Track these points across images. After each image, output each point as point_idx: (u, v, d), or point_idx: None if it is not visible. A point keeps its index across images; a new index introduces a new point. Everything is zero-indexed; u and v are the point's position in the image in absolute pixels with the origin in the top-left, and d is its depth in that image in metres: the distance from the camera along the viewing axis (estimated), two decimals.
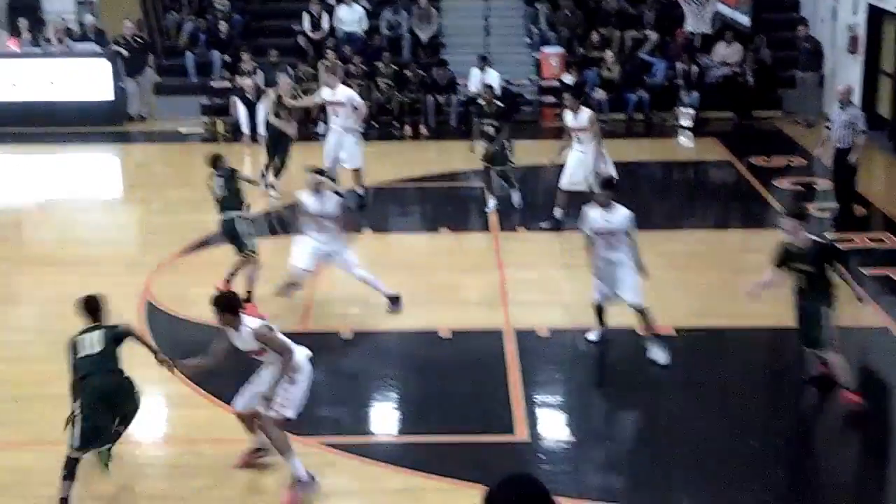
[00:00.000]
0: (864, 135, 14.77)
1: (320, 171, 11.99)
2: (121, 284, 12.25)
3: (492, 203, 15.31)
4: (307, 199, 11.69)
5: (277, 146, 16.16)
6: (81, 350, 8.47)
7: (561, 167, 14.57)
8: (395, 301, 12.01)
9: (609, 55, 20.86)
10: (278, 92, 16.27)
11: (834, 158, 15.00)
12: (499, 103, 15.85)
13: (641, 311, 10.65)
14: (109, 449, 8.51)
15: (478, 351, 11.33)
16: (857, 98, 19.65)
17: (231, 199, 12.13)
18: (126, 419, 8.60)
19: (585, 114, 14.34)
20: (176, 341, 11.74)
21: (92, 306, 8.77)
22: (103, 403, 8.35)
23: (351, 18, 21.67)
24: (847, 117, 14.68)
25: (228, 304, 8.49)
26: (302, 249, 11.76)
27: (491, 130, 15.18)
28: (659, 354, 10.67)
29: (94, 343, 8.48)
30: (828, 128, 15.12)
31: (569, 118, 14.43)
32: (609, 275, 10.66)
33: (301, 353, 8.53)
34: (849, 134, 14.64)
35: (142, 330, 10.85)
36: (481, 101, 15.73)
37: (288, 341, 8.48)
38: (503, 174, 15.46)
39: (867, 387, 10.71)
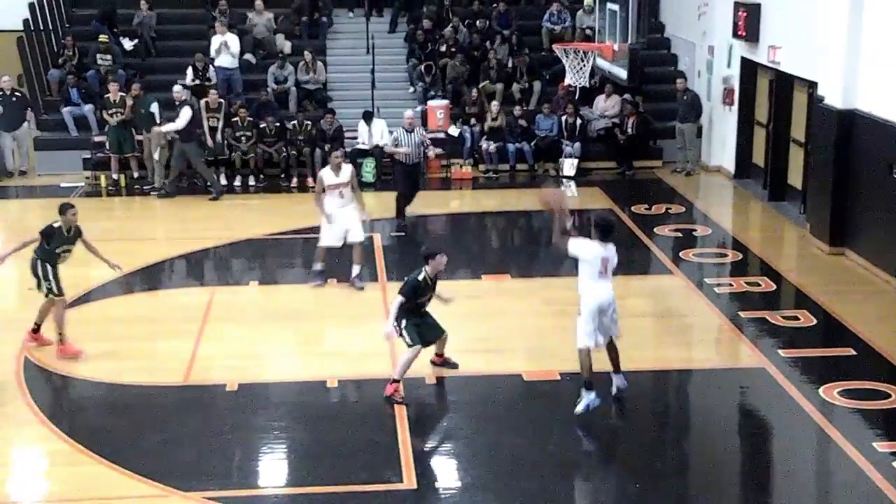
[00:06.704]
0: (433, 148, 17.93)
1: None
2: None
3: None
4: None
5: None
6: None
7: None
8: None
9: (494, 106, 21.18)
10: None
11: (403, 174, 17.44)
12: None
13: None
14: None
15: (365, 400, 11.34)
16: (731, 148, 20.33)
17: None
18: None
19: (348, 170, 14.43)
20: (56, 400, 11.50)
21: None
22: None
23: (230, 63, 21.75)
24: (418, 139, 17.27)
25: None
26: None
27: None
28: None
29: None
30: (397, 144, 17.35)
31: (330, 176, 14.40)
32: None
33: None
34: (420, 152, 17.30)
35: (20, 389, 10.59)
36: None
37: None
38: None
39: (744, 426, 11.01)
